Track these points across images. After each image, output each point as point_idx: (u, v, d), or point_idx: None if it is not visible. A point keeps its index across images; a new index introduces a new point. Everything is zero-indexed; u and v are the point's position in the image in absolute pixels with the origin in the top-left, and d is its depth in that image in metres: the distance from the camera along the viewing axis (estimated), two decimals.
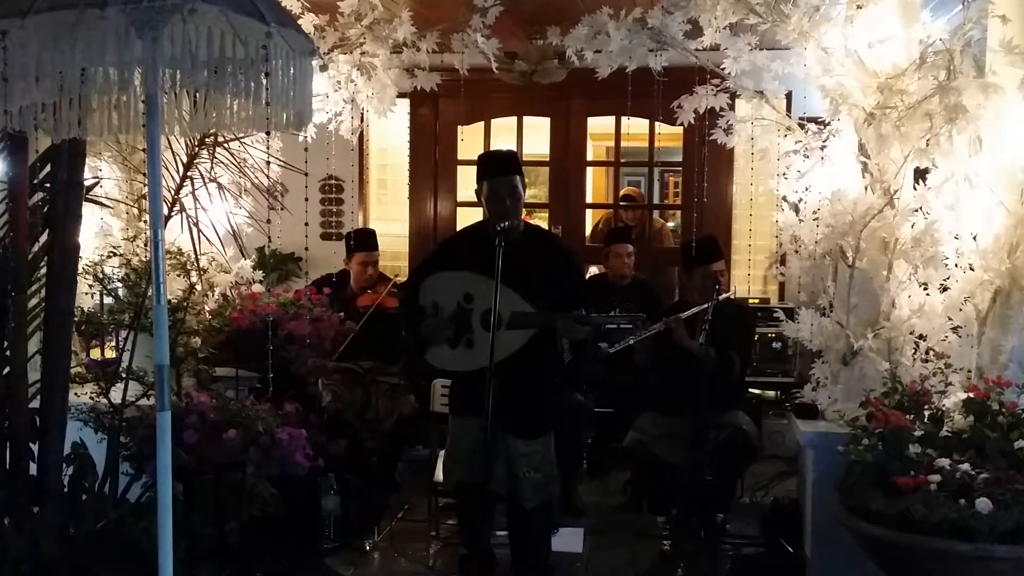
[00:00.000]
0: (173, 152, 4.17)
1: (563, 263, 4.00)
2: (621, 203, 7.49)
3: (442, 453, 4.38)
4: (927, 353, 3.98)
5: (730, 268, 6.54)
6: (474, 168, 6.79)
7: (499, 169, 3.94)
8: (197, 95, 2.59)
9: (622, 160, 7.39)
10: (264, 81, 2.32)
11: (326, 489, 4.51)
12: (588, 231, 7.52)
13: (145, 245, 4.32)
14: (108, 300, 4.43)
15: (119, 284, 4.38)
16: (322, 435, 4.37)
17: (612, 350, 4.59)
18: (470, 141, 6.95)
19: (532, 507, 3.88)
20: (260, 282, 5.04)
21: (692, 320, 4.63)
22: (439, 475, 4.42)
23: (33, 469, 3.25)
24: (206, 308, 4.74)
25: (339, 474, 4.57)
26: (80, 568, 3.00)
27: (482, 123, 6.94)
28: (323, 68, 4.24)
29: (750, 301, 6.33)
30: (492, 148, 6.51)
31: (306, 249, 4.49)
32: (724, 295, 4.71)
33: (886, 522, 3.22)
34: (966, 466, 3.26)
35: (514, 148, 6.63)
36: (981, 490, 3.14)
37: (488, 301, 3.64)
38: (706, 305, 4.54)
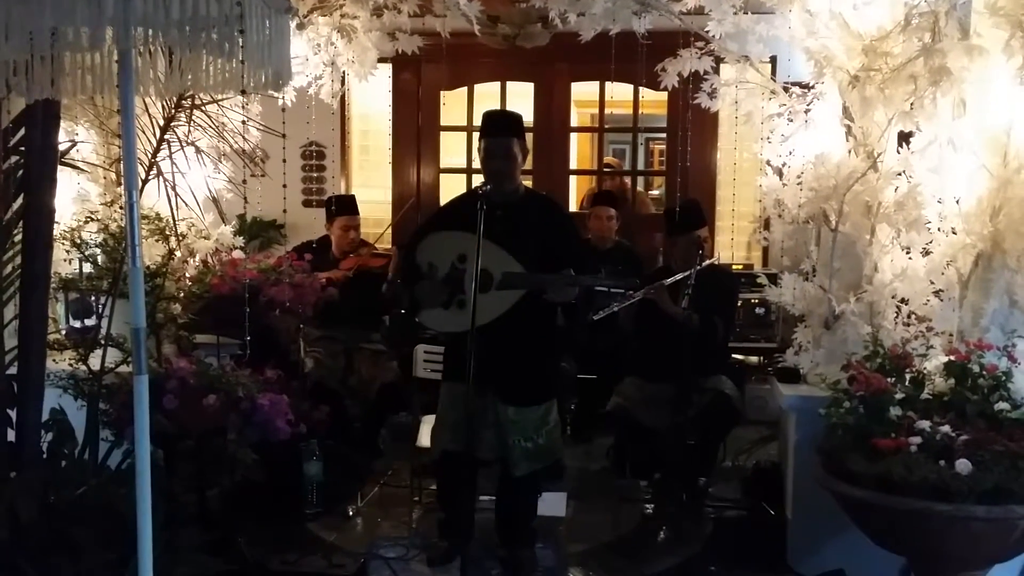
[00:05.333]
0: (150, 115, 4.11)
1: (562, 226, 3.95)
2: (604, 170, 7.49)
3: (425, 419, 4.37)
4: (909, 317, 4.00)
5: (714, 234, 6.53)
6: (457, 134, 6.78)
7: (495, 129, 3.89)
8: (172, 55, 2.54)
9: (606, 126, 7.35)
10: (239, 39, 2.27)
11: (309, 455, 4.51)
12: (572, 198, 7.50)
13: (123, 210, 4.27)
14: (87, 267, 4.39)
15: (97, 250, 4.33)
16: (304, 401, 4.36)
17: (596, 317, 4.58)
18: (453, 107, 6.90)
19: (521, 475, 3.85)
20: (241, 248, 5.00)
21: (675, 286, 4.63)
22: (422, 441, 4.41)
23: (12, 436, 3.23)
24: (186, 274, 4.69)
25: (322, 440, 4.57)
26: (60, 534, 2.98)
27: (465, 88, 6.88)
28: (300, 27, 4.18)
29: (734, 267, 6.34)
30: (475, 114, 6.47)
31: (284, 211, 4.45)
32: (707, 261, 4.71)
33: (867, 484, 3.25)
34: (946, 428, 3.29)
35: None
36: (961, 452, 3.17)
37: (482, 262, 3.59)
38: (689, 272, 4.54)
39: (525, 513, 4.08)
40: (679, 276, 4.63)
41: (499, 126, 3.90)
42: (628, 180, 7.76)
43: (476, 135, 4.08)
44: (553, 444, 3.93)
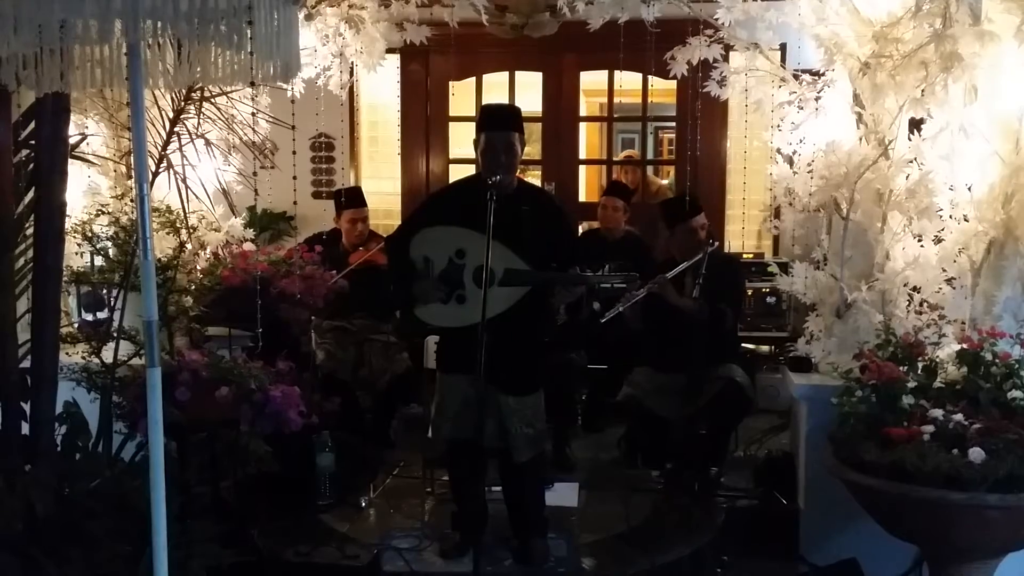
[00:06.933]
0: (160, 108, 4.12)
1: (556, 221, 3.97)
2: (624, 160, 7.49)
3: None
4: (921, 305, 3.98)
5: (724, 223, 6.53)
6: (466, 124, 6.76)
7: (498, 123, 3.88)
8: (181, 47, 2.54)
9: (615, 116, 7.33)
10: (247, 31, 2.27)
11: (321, 446, 4.52)
12: (582, 188, 7.48)
13: (133, 202, 4.29)
14: (99, 260, 4.40)
15: (108, 243, 4.35)
16: (316, 393, 4.37)
17: (603, 320, 4.58)
18: (461, 97, 6.89)
19: (525, 461, 3.89)
20: (252, 240, 5.01)
21: (681, 276, 4.63)
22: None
23: (26, 429, 3.24)
24: (197, 267, 4.71)
25: (334, 431, 4.58)
26: (74, 527, 3.00)
27: (473, 79, 6.87)
28: (308, 18, 4.18)
29: (744, 256, 6.32)
30: (483, 104, 6.45)
31: (294, 203, 4.46)
32: (712, 245, 4.68)
33: (879, 473, 3.24)
34: (959, 416, 3.28)
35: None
36: (974, 440, 3.16)
37: (481, 257, 3.60)
38: (695, 259, 4.55)
39: (533, 499, 4.09)
40: (683, 266, 4.62)
41: (502, 120, 3.90)
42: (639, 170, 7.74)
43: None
44: (545, 428, 4.02)
